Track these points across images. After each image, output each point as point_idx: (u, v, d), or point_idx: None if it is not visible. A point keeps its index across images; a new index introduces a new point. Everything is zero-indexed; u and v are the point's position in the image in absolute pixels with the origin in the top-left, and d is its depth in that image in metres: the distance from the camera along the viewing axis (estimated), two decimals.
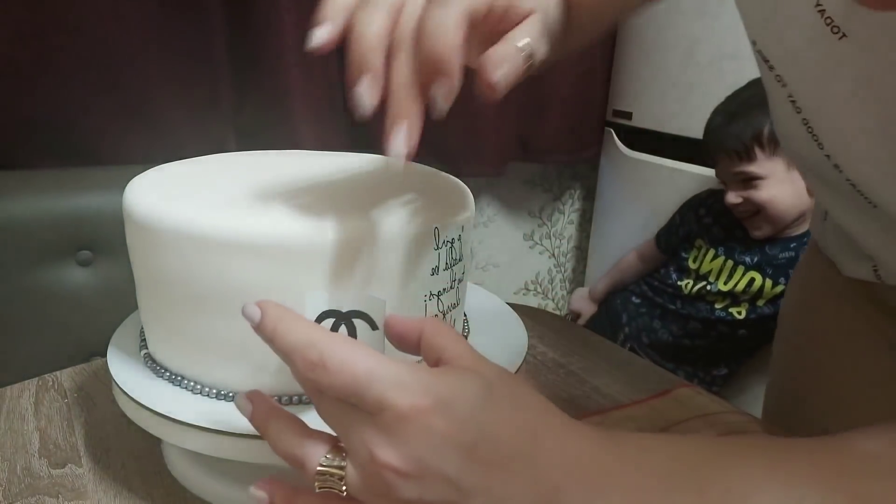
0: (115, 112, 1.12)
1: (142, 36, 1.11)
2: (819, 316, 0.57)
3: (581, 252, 1.92)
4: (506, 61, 0.31)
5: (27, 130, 1.08)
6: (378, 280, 0.37)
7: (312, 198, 0.41)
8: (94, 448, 0.47)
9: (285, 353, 0.29)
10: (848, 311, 0.54)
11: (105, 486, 0.43)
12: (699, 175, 1.42)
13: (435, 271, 0.39)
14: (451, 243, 0.40)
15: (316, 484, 0.29)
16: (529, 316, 0.72)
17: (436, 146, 1.39)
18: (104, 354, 0.44)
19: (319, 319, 0.36)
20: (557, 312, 1.92)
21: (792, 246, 1.17)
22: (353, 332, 0.37)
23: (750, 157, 1.13)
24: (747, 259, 1.21)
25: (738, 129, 1.13)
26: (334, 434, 0.30)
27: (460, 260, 0.41)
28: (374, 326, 0.37)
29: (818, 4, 0.33)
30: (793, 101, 0.42)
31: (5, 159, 1.07)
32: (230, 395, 0.38)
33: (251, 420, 0.32)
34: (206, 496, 0.42)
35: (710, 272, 1.25)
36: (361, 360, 0.27)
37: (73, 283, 1.05)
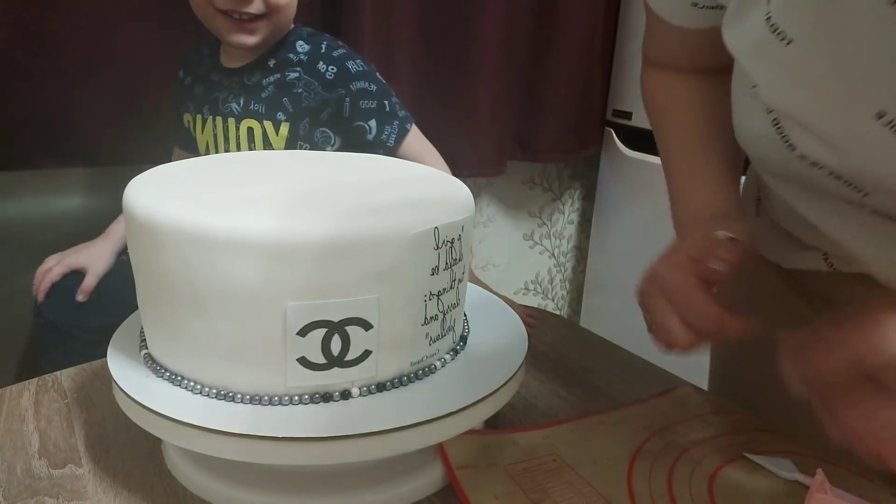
0: (115, 112, 1.12)
1: (141, 36, 1.11)
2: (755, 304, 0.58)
3: (581, 252, 1.92)
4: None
5: (27, 130, 1.08)
6: (378, 280, 0.37)
7: (312, 197, 0.41)
8: (94, 448, 0.47)
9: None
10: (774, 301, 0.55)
11: (105, 487, 0.43)
12: None
13: (435, 271, 0.39)
14: (451, 243, 0.40)
15: None
16: (530, 316, 0.73)
17: (436, 146, 1.39)
18: (104, 354, 0.44)
19: (305, 331, 0.36)
20: (557, 312, 1.92)
21: (272, 65, 0.95)
22: (346, 339, 0.37)
23: None
24: (233, 106, 0.96)
25: None
26: None
27: (460, 260, 0.41)
28: (367, 328, 0.37)
29: (767, 15, 0.35)
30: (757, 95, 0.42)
31: (5, 159, 1.07)
32: (230, 395, 0.38)
33: None
34: (206, 496, 0.42)
35: (206, 146, 0.99)
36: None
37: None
